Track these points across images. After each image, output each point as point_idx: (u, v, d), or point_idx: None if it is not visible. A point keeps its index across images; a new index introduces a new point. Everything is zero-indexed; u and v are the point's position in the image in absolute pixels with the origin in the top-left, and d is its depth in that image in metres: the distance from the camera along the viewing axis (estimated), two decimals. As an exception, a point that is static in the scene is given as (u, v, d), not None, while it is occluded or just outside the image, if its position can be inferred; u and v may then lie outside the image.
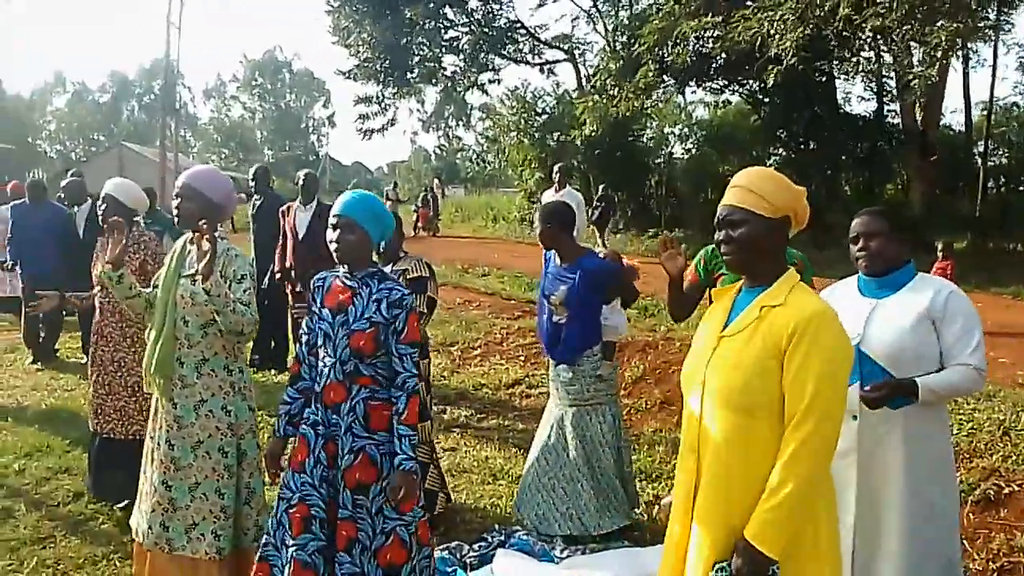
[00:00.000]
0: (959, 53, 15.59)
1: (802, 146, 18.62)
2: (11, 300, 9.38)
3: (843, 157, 17.55)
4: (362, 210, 2.66)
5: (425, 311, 3.82)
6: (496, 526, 3.83)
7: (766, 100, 18.73)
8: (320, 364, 2.71)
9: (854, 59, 17.18)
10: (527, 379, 6.53)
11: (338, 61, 75.71)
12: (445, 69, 23.18)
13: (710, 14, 14.49)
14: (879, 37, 15.93)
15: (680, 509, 1.94)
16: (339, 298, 2.68)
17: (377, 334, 2.60)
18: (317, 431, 2.67)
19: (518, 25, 21.79)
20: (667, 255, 3.25)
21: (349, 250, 2.64)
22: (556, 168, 8.49)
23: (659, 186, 22.28)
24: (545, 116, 22.60)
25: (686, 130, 22.66)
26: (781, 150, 20.35)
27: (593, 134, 16.69)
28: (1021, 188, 17.74)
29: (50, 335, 7.61)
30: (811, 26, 13.29)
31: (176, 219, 3.06)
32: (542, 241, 3.83)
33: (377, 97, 23.46)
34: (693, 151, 22.22)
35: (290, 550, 2.61)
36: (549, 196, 8.44)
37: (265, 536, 2.73)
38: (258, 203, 7.00)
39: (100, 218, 3.79)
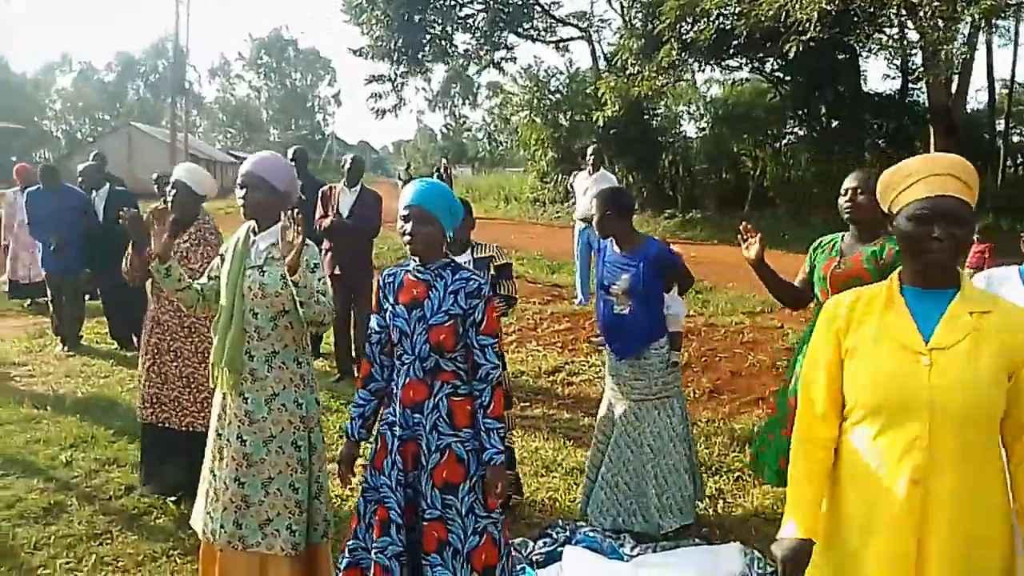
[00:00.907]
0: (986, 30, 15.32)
1: (824, 124, 18.35)
2: (35, 286, 9.33)
3: (867, 136, 17.31)
4: (436, 200, 2.56)
5: (515, 297, 3.75)
6: (560, 521, 3.73)
7: (787, 78, 18.47)
8: (397, 363, 2.62)
9: (878, 35, 16.95)
10: (567, 366, 6.42)
11: (344, 39, 74.84)
12: (456, 47, 22.91)
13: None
14: (905, 13, 15.71)
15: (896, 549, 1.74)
16: (413, 293, 2.58)
17: (456, 327, 2.51)
18: (394, 432, 2.59)
19: (532, 2, 21.46)
20: (746, 245, 3.16)
21: (424, 242, 2.54)
22: (590, 151, 8.31)
23: (672, 166, 22.09)
24: (558, 95, 22.38)
25: (700, 109, 22.43)
26: (799, 129, 20.14)
27: (615, 114, 16.35)
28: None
29: (74, 321, 7.51)
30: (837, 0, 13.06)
31: (241, 209, 2.94)
32: (599, 229, 3.69)
33: (389, 76, 23.20)
34: (707, 130, 21.96)
35: (373, 553, 2.54)
36: (582, 180, 8.29)
37: (354, 540, 2.65)
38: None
39: (170, 205, 3.68)
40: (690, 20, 15.22)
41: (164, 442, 3.77)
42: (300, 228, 2.67)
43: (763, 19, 13.78)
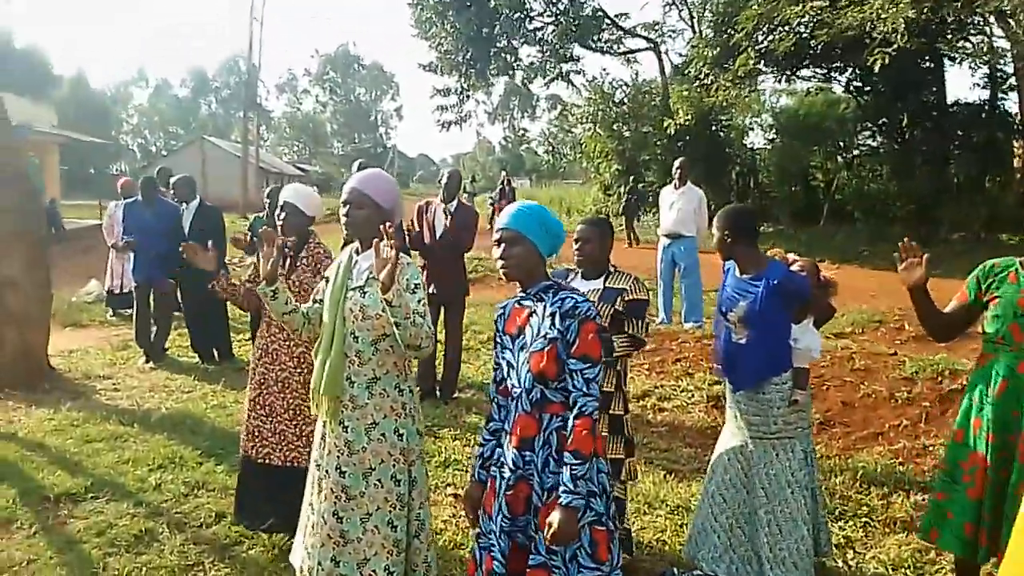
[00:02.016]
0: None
1: (905, 136, 17.60)
2: (126, 296, 9.47)
3: (952, 148, 16.53)
4: (527, 221, 2.39)
5: (643, 340, 3.47)
6: (675, 571, 3.45)
7: (866, 88, 17.80)
8: (507, 399, 2.46)
9: (963, 44, 16.21)
10: (656, 390, 6.11)
11: (407, 54, 76.05)
12: (521, 60, 22.85)
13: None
14: (993, 21, 14.99)
15: None
16: (517, 321, 2.43)
17: (556, 352, 2.30)
18: (503, 474, 2.40)
19: (601, 13, 21.27)
20: (905, 265, 2.85)
21: (516, 266, 2.39)
22: (677, 163, 7.97)
23: (740, 178, 21.53)
24: (623, 107, 22.08)
25: (769, 120, 21.85)
26: (877, 140, 19.40)
27: (688, 123, 16.00)
28: None
29: (160, 333, 7.54)
30: (926, 8, 12.51)
31: (344, 227, 2.78)
32: (719, 251, 3.37)
33: (456, 89, 23.29)
34: (776, 142, 21.35)
35: None
36: (668, 193, 7.97)
37: None
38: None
39: (280, 228, 3.56)
40: (767, 29, 14.83)
41: (264, 478, 3.60)
42: (395, 244, 2.50)
43: (845, 29, 13.32)
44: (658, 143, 20.97)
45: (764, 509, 3.19)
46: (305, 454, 3.54)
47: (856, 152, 20.07)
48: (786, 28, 14.35)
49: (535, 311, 2.38)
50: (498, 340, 2.49)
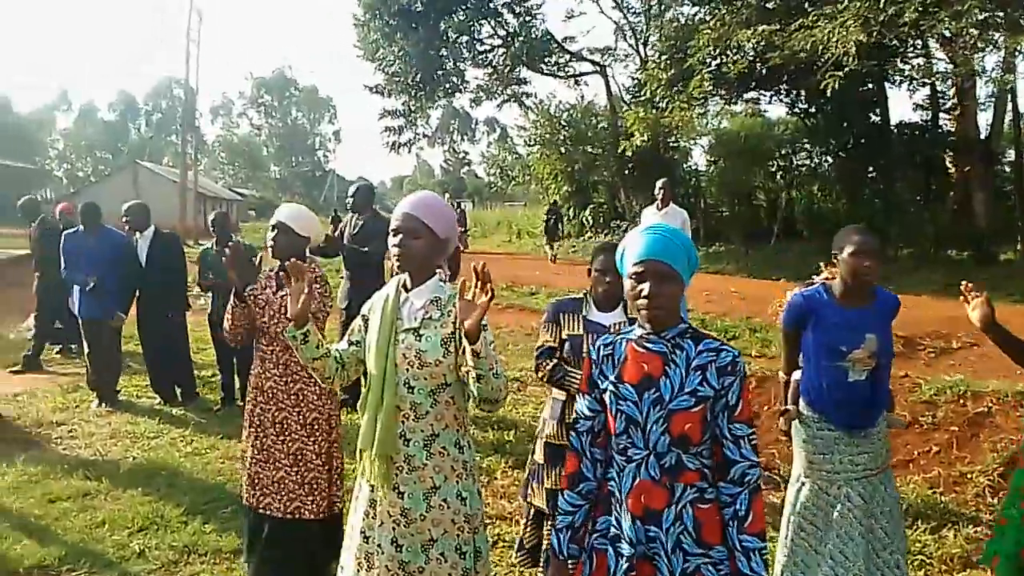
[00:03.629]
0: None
1: (852, 155, 18.04)
2: (68, 331, 8.80)
3: (897, 167, 16.99)
4: (678, 252, 2.03)
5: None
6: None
7: (812, 109, 18.22)
8: (618, 459, 2.08)
9: (903, 65, 16.74)
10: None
11: (344, 78, 75.54)
12: (468, 83, 22.72)
13: (765, 23, 14.02)
14: (935, 44, 15.51)
15: None
16: (644, 368, 2.04)
17: (705, 413, 1.98)
18: (619, 550, 2.04)
19: (549, 38, 21.31)
20: (973, 306, 2.71)
21: (668, 306, 2.03)
22: (659, 184, 7.81)
23: (685, 199, 21.80)
24: (571, 129, 22.15)
25: (708, 142, 22.22)
26: (822, 159, 19.89)
27: (643, 144, 16.07)
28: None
29: (112, 373, 6.95)
30: (874, 32, 12.82)
31: (397, 260, 2.42)
32: (869, 278, 2.97)
33: (404, 110, 22.96)
34: (720, 163, 21.71)
35: None
36: (651, 214, 7.81)
37: None
38: (359, 224, 6.37)
39: (271, 250, 3.21)
40: (718, 52, 14.98)
41: (270, 531, 3.23)
42: (484, 283, 2.12)
43: (797, 51, 13.55)
44: (608, 165, 21.10)
45: (889, 550, 2.97)
46: (309, 503, 3.20)
47: (801, 171, 20.57)
48: (738, 51, 14.53)
49: (673, 360, 2.03)
50: (604, 386, 2.10)
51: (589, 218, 23.23)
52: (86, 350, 6.91)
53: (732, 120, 21.56)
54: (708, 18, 15.56)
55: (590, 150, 22.02)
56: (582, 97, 25.84)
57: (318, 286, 3.25)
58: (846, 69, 12.43)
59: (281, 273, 3.31)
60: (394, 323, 2.39)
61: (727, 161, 20.78)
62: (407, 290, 2.43)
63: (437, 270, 2.46)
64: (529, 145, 24.21)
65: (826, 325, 3.03)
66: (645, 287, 2.01)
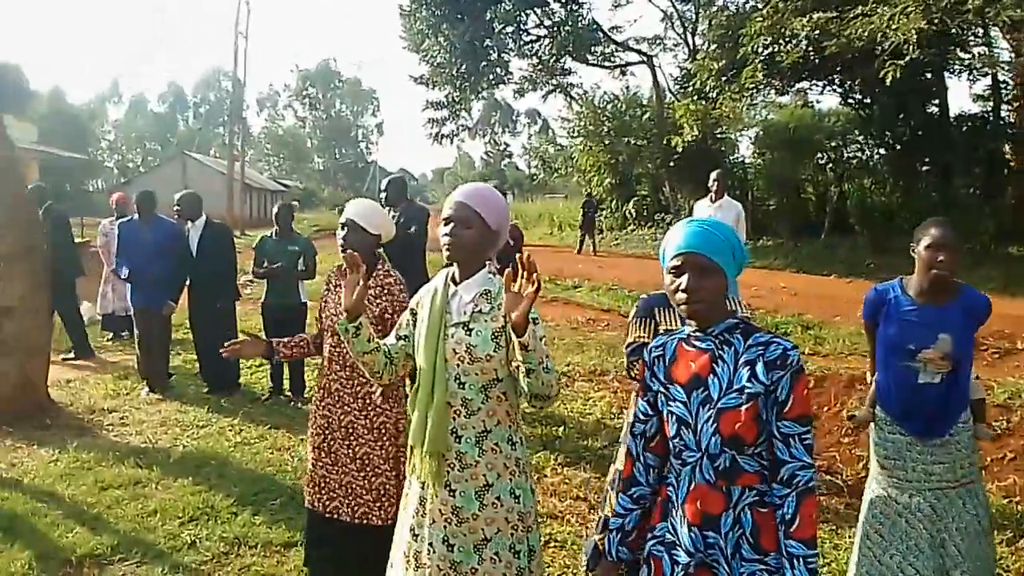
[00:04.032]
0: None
1: (904, 147, 17.47)
2: (119, 319, 8.92)
3: (955, 159, 16.39)
4: (720, 244, 1.93)
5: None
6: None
7: (867, 100, 17.68)
8: (674, 462, 1.99)
9: (967, 55, 16.14)
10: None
11: (389, 71, 76.14)
12: (511, 74, 22.59)
13: (819, 10, 13.62)
14: (997, 32, 14.92)
15: None
16: (691, 367, 1.95)
17: (757, 410, 1.86)
18: (675, 557, 1.95)
19: (595, 27, 21.06)
20: None
21: (709, 299, 1.92)
22: (713, 175, 7.59)
23: (732, 191, 21.32)
24: (616, 121, 21.85)
25: (752, 134, 21.73)
26: (876, 152, 19.32)
27: (695, 138, 15.72)
28: None
29: (162, 361, 7.01)
30: (935, 19, 12.36)
31: (447, 249, 2.31)
32: (949, 274, 2.79)
33: (448, 101, 22.93)
34: (767, 155, 21.23)
35: None
36: (704, 207, 7.60)
37: None
38: (396, 216, 6.30)
39: (341, 247, 3.12)
40: (772, 40, 14.62)
41: (335, 536, 3.13)
42: (530, 275, 2.01)
43: (854, 40, 13.14)
44: (652, 157, 20.77)
45: (960, 569, 2.77)
46: (376, 509, 3.10)
47: (851, 164, 20.01)
48: (791, 40, 14.15)
49: (721, 356, 1.92)
50: (656, 387, 2.03)
51: (632, 211, 22.92)
52: (136, 337, 6.98)
53: (780, 111, 21.09)
54: (760, 5, 15.21)
55: (634, 142, 21.72)
56: (626, 88, 25.55)
57: (398, 287, 3.14)
58: (906, 58, 12.01)
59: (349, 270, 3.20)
60: (443, 317, 2.30)
61: (775, 153, 20.31)
62: (456, 283, 2.33)
63: (487, 262, 2.35)
64: (572, 137, 23.94)
65: (896, 320, 2.86)
66: (683, 280, 1.91)
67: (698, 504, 1.92)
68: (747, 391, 1.86)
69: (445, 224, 2.29)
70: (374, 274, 3.11)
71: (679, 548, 1.95)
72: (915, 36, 12.04)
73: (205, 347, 6.91)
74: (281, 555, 3.68)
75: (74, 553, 3.64)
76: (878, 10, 12.78)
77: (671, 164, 20.21)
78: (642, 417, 2.08)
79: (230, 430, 5.74)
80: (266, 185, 48.46)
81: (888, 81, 12.47)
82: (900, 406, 2.88)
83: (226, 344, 3.19)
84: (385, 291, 3.10)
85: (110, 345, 8.94)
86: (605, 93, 22.67)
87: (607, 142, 21.97)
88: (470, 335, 2.24)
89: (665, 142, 17.10)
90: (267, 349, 3.25)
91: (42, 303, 5.98)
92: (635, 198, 23.07)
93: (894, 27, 12.39)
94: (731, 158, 22.16)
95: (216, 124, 70.78)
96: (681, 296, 1.92)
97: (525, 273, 2.01)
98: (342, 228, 3.12)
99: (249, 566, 3.58)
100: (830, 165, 20.43)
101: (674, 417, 1.96)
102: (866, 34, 12.78)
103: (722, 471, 1.89)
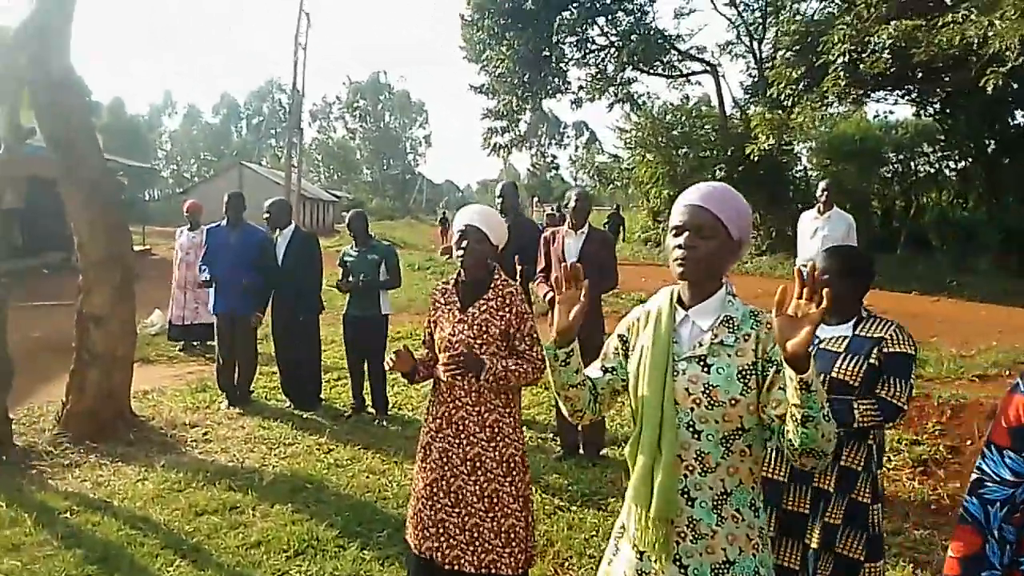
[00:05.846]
0: None
1: (990, 158, 16.64)
2: (199, 328, 8.72)
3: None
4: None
5: (902, 404, 2.58)
6: None
7: (948, 111, 16.90)
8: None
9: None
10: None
11: (434, 83, 76.62)
12: (569, 84, 22.20)
13: (904, 17, 12.99)
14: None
15: None
16: None
17: None
18: None
19: (661, 37, 20.61)
20: None
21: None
22: (822, 186, 7.07)
23: (794, 203, 20.63)
24: (675, 131, 21.32)
25: (824, 144, 20.99)
26: (941, 164, 18.51)
27: (772, 147, 15.14)
28: None
29: (245, 373, 6.73)
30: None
31: (679, 263, 1.83)
32: None
33: (506, 111, 22.63)
34: (832, 167, 20.48)
35: None
36: (810, 218, 7.10)
37: None
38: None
39: (462, 257, 2.75)
40: (855, 48, 14.00)
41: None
42: (812, 293, 1.57)
43: (945, 48, 12.48)
44: (715, 167, 20.18)
45: None
46: (505, 557, 2.69)
47: (919, 176, 19.21)
48: (877, 48, 13.53)
49: None
50: None
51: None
52: (218, 348, 6.72)
53: (846, 122, 20.36)
54: (838, 13, 14.61)
55: (697, 152, 21.15)
56: (687, 97, 24.93)
57: (519, 297, 2.77)
58: (1007, 65, 11.33)
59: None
60: (670, 348, 1.84)
61: (839, 165, 19.58)
62: (684, 307, 1.88)
63: (723, 280, 1.92)
64: (630, 147, 23.45)
65: None
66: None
67: None
68: None
69: (676, 234, 1.85)
70: (491, 285, 2.76)
71: None
72: (1018, 43, 11.36)
73: (288, 360, 6.62)
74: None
75: (179, 590, 3.32)
76: (972, 17, 12.12)
77: (735, 175, 19.62)
78: (1011, 478, 1.60)
79: (318, 449, 5.42)
80: (319, 195, 48.84)
81: (990, 89, 11.78)
82: None
83: (388, 358, 2.80)
84: (507, 303, 2.73)
85: (182, 355, 8.74)
86: (665, 103, 22.24)
87: (667, 153, 21.46)
88: (708, 372, 1.79)
89: (728, 152, 16.50)
90: (413, 367, 2.88)
91: (128, 312, 5.74)
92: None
93: (992, 33, 11.73)
94: (794, 170, 21.51)
95: (268, 135, 71.87)
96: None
97: (805, 290, 1.58)
98: (461, 237, 2.75)
99: (369, 612, 3.21)
100: (896, 178, 19.66)
101: None
102: (960, 41, 12.13)
103: None
